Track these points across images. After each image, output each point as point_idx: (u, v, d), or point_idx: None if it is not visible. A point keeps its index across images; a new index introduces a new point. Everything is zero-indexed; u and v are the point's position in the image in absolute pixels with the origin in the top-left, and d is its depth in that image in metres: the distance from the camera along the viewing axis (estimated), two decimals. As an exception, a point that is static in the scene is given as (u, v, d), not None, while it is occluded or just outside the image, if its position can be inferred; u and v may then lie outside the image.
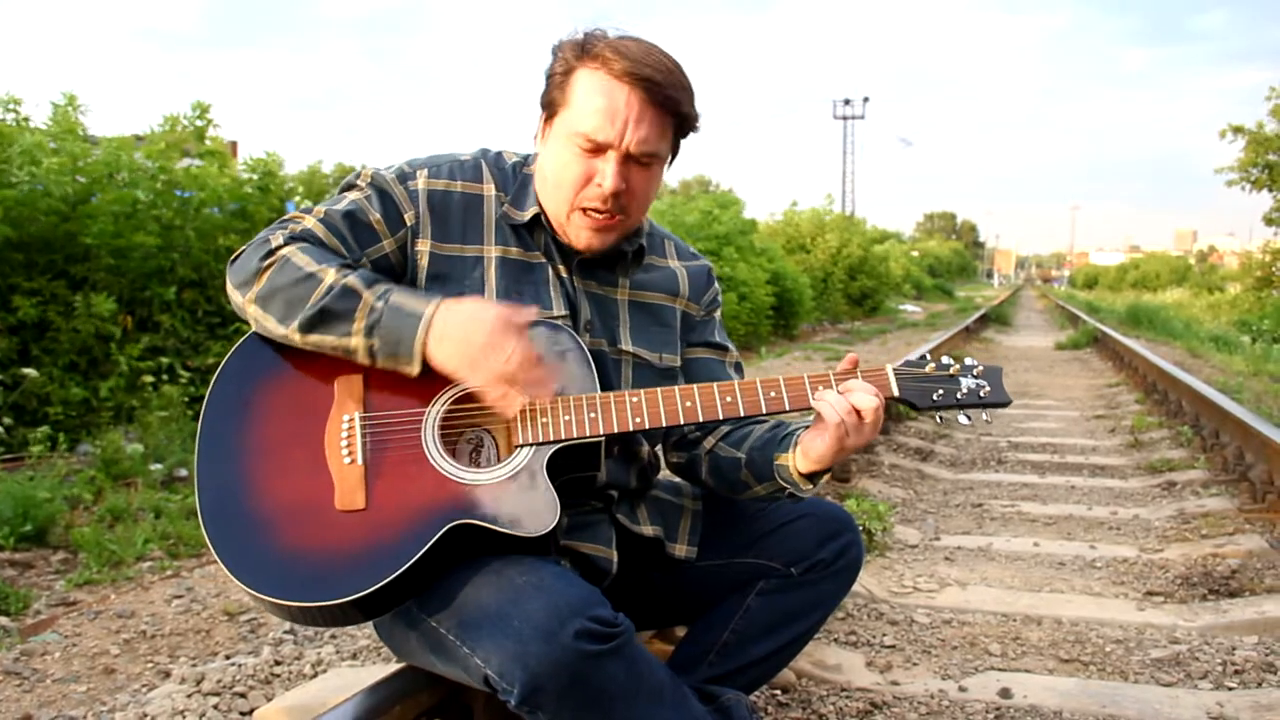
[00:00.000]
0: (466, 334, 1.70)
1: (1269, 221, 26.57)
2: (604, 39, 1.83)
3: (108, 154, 7.24)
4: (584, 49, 1.82)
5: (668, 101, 1.81)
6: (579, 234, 1.90)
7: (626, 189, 1.84)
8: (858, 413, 1.79)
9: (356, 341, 1.73)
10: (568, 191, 1.85)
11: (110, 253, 6.93)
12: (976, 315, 25.40)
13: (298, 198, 9.11)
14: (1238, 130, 25.64)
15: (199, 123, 8.44)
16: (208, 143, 8.50)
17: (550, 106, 1.87)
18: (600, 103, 1.79)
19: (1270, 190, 25.83)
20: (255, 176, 8.33)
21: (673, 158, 1.95)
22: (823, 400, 1.81)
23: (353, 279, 1.74)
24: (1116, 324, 21.76)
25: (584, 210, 1.86)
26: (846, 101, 59.96)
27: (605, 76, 1.79)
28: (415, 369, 1.73)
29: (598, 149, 1.81)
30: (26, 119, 7.37)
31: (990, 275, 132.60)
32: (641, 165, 1.85)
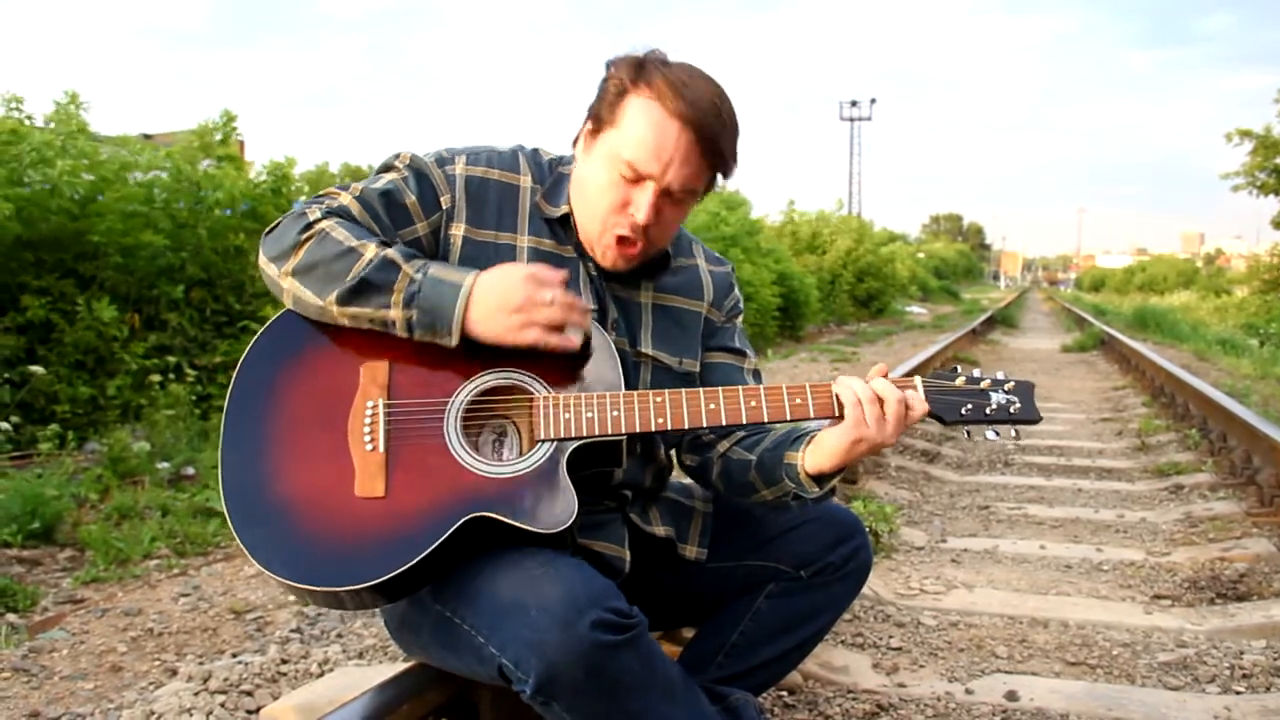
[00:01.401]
0: (503, 299, 1.73)
1: (1277, 225, 26.49)
2: (661, 65, 1.81)
3: (122, 154, 7.27)
4: (640, 72, 1.81)
5: (715, 144, 1.81)
6: (605, 253, 1.90)
7: (657, 221, 1.84)
8: (879, 400, 1.78)
9: (395, 313, 1.74)
10: (601, 212, 1.85)
11: (119, 251, 6.95)
12: (983, 317, 25.37)
13: (303, 197, 9.14)
14: (1245, 134, 25.56)
15: (224, 130, 8.54)
16: (228, 147, 8.58)
17: (598, 121, 1.86)
18: (650, 136, 1.78)
19: (1278, 194, 25.74)
20: (269, 179, 8.38)
21: (706, 191, 1.94)
22: (844, 385, 1.81)
23: (392, 252, 1.76)
24: (1123, 327, 21.73)
25: (614, 236, 1.87)
26: (854, 103, 60.01)
27: (659, 110, 1.78)
28: (454, 341, 1.74)
29: (638, 179, 1.81)
30: (30, 117, 7.39)
31: (996, 277, 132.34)
32: (676, 201, 1.85)
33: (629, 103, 1.81)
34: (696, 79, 1.81)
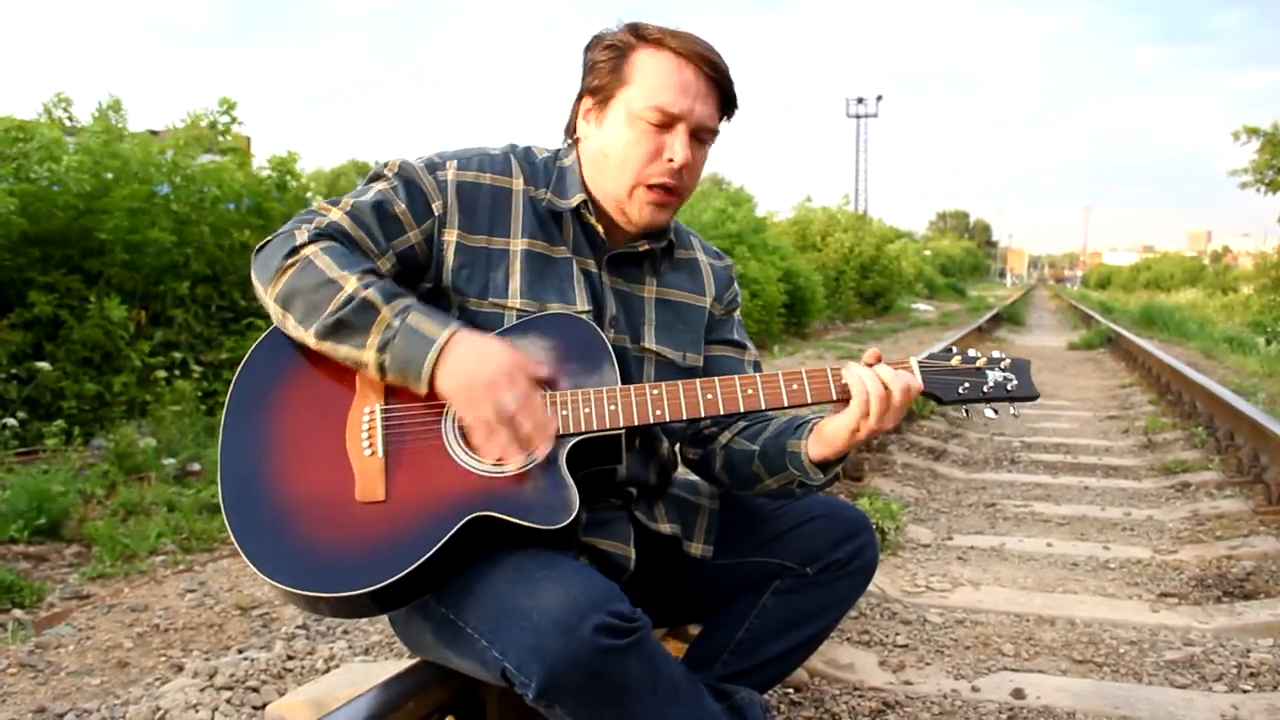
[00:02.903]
0: (475, 368, 1.70)
1: (1284, 222, 26.38)
2: (655, 26, 1.88)
3: (125, 150, 7.28)
4: (638, 34, 1.88)
5: (727, 81, 1.90)
6: (641, 211, 1.91)
7: (690, 164, 1.88)
8: (885, 386, 1.79)
9: (369, 356, 1.72)
10: (634, 167, 1.87)
11: (124, 248, 6.96)
12: (989, 315, 25.35)
13: (310, 194, 9.15)
14: (1252, 132, 25.43)
15: (224, 119, 8.53)
16: (229, 138, 8.58)
17: (603, 90, 1.89)
18: (672, 78, 1.84)
19: (1286, 191, 25.62)
20: (274, 175, 8.39)
21: (715, 135, 1.98)
22: (851, 372, 1.81)
23: (372, 292, 1.73)
24: (1130, 324, 21.70)
25: (649, 186, 1.88)
26: (860, 100, 59.85)
27: (670, 55, 1.85)
28: (424, 390, 1.72)
29: (668, 123, 1.85)
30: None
31: (1003, 275, 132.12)
32: (700, 142, 1.91)
33: (636, 58, 1.87)
34: (685, 30, 1.90)
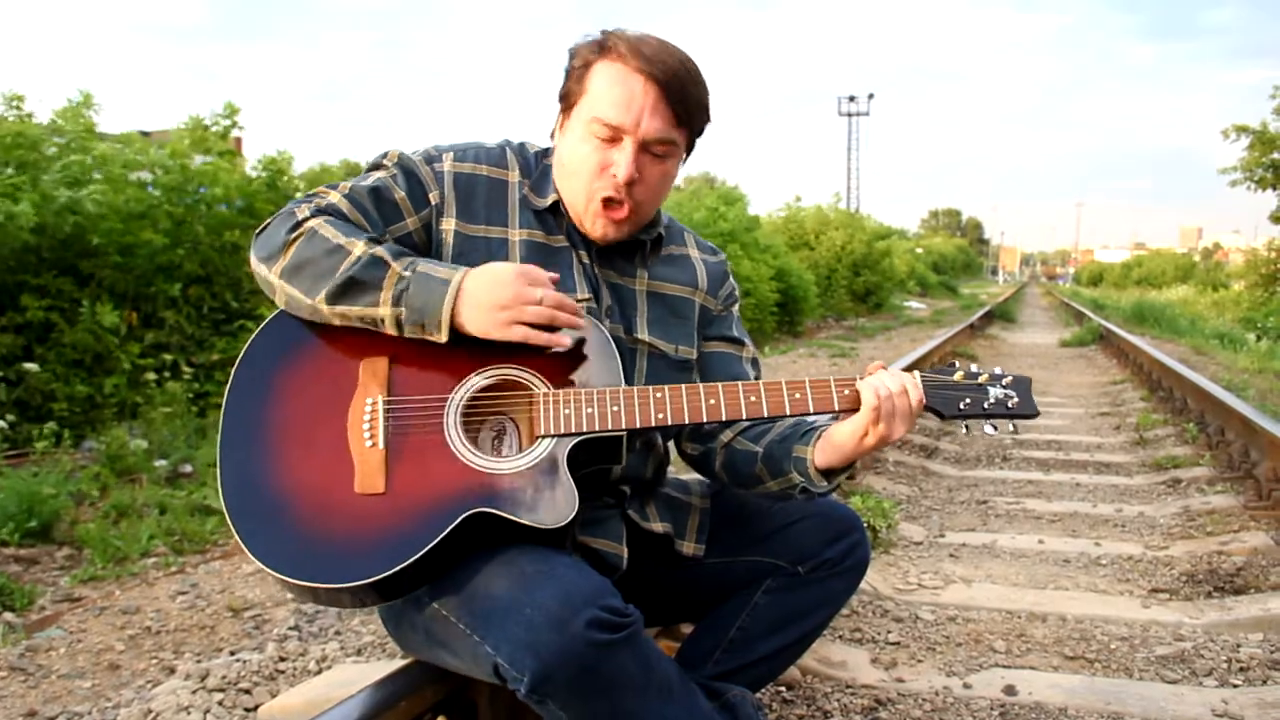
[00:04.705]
0: (492, 294, 1.73)
1: (1275, 219, 26.45)
2: (622, 36, 1.87)
3: (125, 156, 7.27)
4: (602, 45, 1.87)
5: (682, 94, 1.85)
6: (595, 224, 1.92)
7: (640, 179, 1.87)
8: (891, 388, 1.80)
9: (384, 310, 1.74)
10: (584, 180, 1.88)
11: (117, 250, 6.94)
12: (981, 312, 25.37)
13: (298, 194, 9.14)
14: (1241, 130, 25.49)
15: (225, 122, 8.55)
16: (226, 143, 8.60)
17: (567, 99, 1.91)
18: (617, 92, 1.83)
19: (1275, 189, 25.68)
20: (265, 174, 8.38)
21: (687, 154, 1.98)
22: (864, 383, 1.82)
23: (380, 250, 1.76)
24: (1121, 321, 21.73)
25: (601, 201, 1.89)
26: (851, 98, 59.96)
27: (622, 68, 1.83)
28: (443, 337, 1.74)
29: (614, 137, 1.84)
30: (30, 115, 7.38)
31: (995, 272, 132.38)
32: (656, 156, 1.88)
33: (593, 70, 1.86)
34: (657, 40, 1.88)
